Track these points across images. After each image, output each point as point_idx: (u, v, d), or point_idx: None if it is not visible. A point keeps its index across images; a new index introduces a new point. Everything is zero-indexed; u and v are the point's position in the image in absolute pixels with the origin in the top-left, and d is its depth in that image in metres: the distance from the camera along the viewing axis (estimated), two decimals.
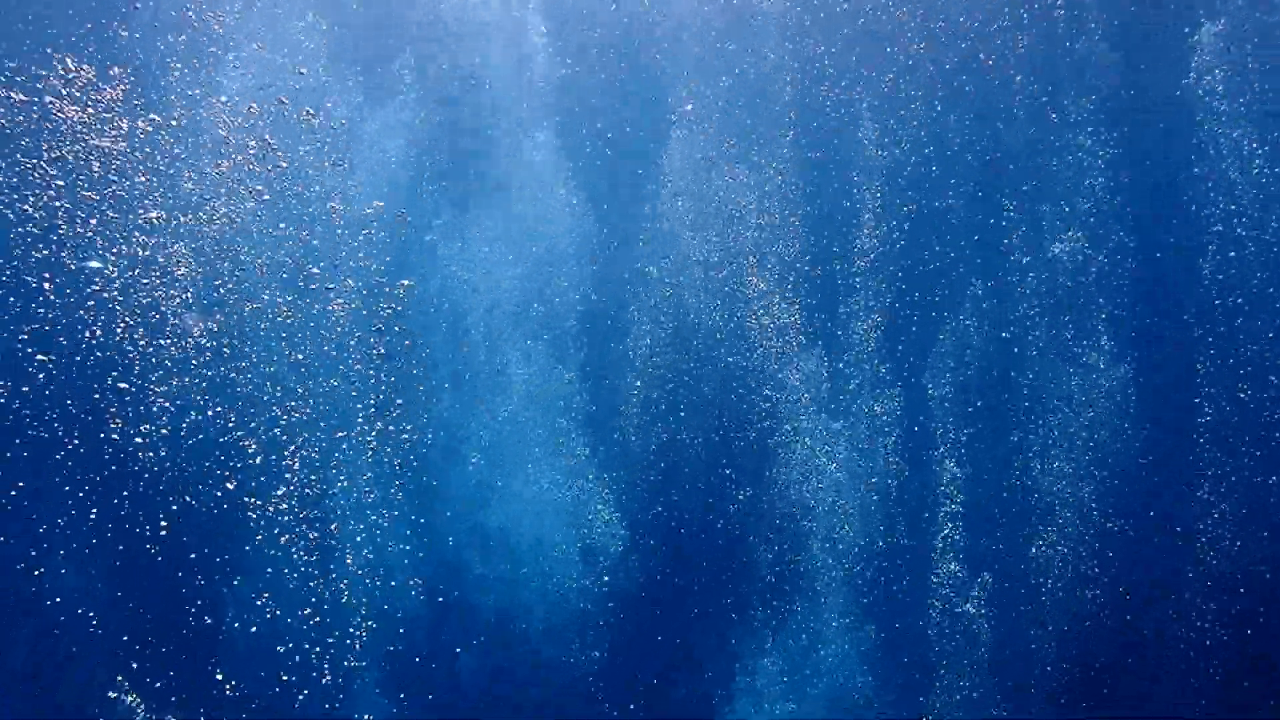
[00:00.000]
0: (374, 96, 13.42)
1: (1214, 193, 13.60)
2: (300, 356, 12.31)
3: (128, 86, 11.06)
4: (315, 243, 12.55)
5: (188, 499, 12.03)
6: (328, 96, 12.94)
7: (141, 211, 11.30)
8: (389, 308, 12.90)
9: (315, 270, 12.41)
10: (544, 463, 14.02)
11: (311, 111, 12.31)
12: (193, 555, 12.22)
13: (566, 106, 14.26)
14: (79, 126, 10.88)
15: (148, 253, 11.39)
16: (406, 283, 12.90)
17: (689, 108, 14.11)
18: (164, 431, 11.78)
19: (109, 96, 10.91)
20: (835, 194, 14.23)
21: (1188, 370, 13.72)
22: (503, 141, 14.13)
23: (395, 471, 13.08)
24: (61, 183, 10.87)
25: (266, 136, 11.84)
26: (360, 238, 12.86)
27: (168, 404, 11.74)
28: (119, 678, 11.60)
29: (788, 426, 13.96)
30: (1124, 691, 13.66)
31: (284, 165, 11.90)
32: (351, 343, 12.73)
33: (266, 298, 12.23)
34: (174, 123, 11.38)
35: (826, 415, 14.00)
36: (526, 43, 14.13)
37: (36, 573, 11.73)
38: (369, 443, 12.85)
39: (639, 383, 14.19)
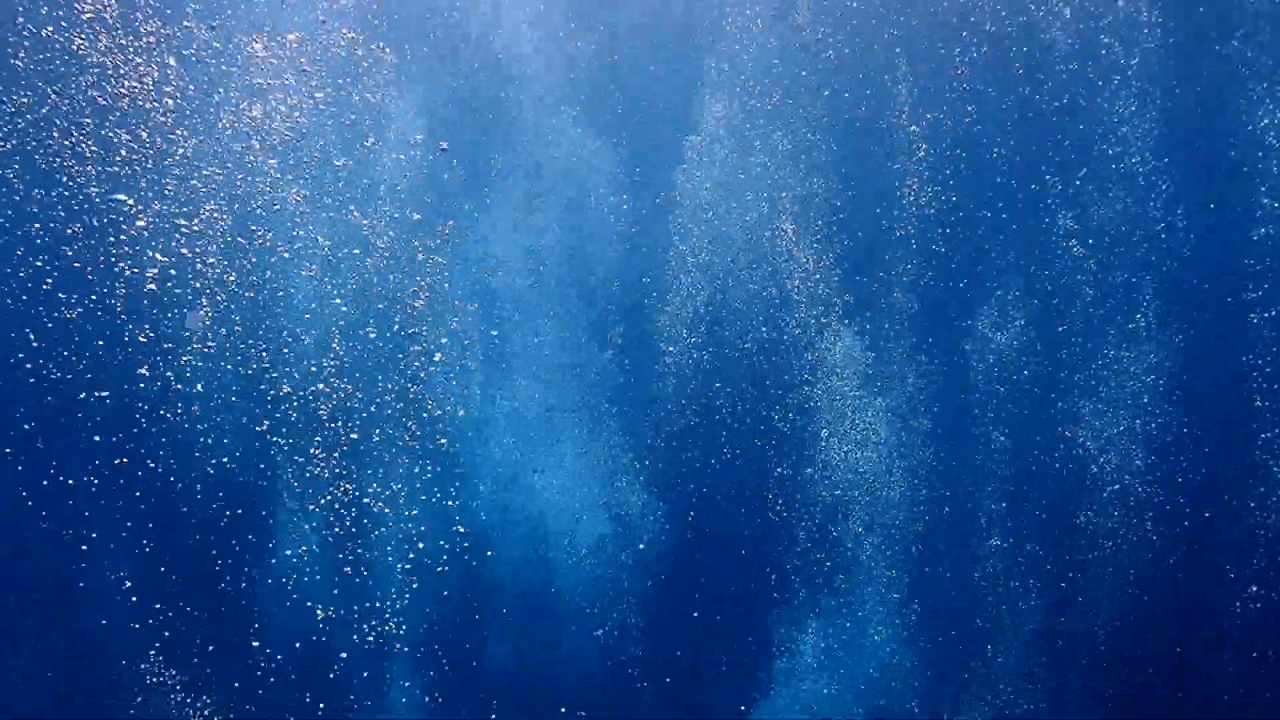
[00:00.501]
0: (399, 74, 13.00)
1: (1264, 154, 13.38)
2: (338, 302, 11.94)
3: (158, 23, 10.72)
4: (347, 190, 12.23)
5: (219, 454, 11.66)
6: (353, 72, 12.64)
7: (170, 150, 10.97)
8: (419, 277, 12.58)
9: (354, 214, 12.10)
10: (576, 439, 13.59)
11: (352, 35, 11.96)
12: (226, 514, 11.80)
13: (595, 77, 13.89)
14: (107, 64, 10.52)
15: (175, 193, 11.05)
16: (451, 223, 12.51)
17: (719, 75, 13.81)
18: (198, 388, 11.42)
19: (138, 33, 10.56)
20: (873, 161, 13.88)
21: (1239, 337, 13.45)
22: (530, 115, 13.75)
23: (423, 448, 12.73)
24: (90, 121, 10.55)
25: (303, 64, 11.48)
26: (394, 194, 12.56)
27: (196, 355, 11.38)
28: (154, 647, 11.21)
29: (828, 399, 13.55)
30: (1172, 665, 13.33)
31: (318, 98, 11.55)
32: (381, 306, 12.40)
33: (299, 246, 11.87)
34: (206, 60, 11.05)
35: (867, 387, 13.60)
36: (553, 13, 13.82)
37: (64, 534, 11.27)
38: (399, 417, 12.51)
39: (673, 354, 13.76)
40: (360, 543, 12.28)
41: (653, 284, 13.84)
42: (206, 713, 11.24)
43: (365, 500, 12.28)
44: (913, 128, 13.79)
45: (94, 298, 11.02)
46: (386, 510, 12.43)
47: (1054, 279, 13.72)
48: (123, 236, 10.92)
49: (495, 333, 13.42)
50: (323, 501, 12.12)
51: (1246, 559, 13.22)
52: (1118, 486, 13.39)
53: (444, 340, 12.84)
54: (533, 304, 13.64)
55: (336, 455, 12.02)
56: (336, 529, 12.08)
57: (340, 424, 12.06)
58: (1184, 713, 13.26)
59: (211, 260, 11.38)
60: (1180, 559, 13.35)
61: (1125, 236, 13.61)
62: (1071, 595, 13.32)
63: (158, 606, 11.46)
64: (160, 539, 11.63)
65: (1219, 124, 13.58)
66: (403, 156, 12.70)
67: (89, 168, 10.76)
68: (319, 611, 11.97)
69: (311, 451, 11.94)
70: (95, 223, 10.87)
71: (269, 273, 11.82)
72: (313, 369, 11.99)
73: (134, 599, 11.42)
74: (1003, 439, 13.56)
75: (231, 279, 11.45)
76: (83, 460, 11.35)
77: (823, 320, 13.64)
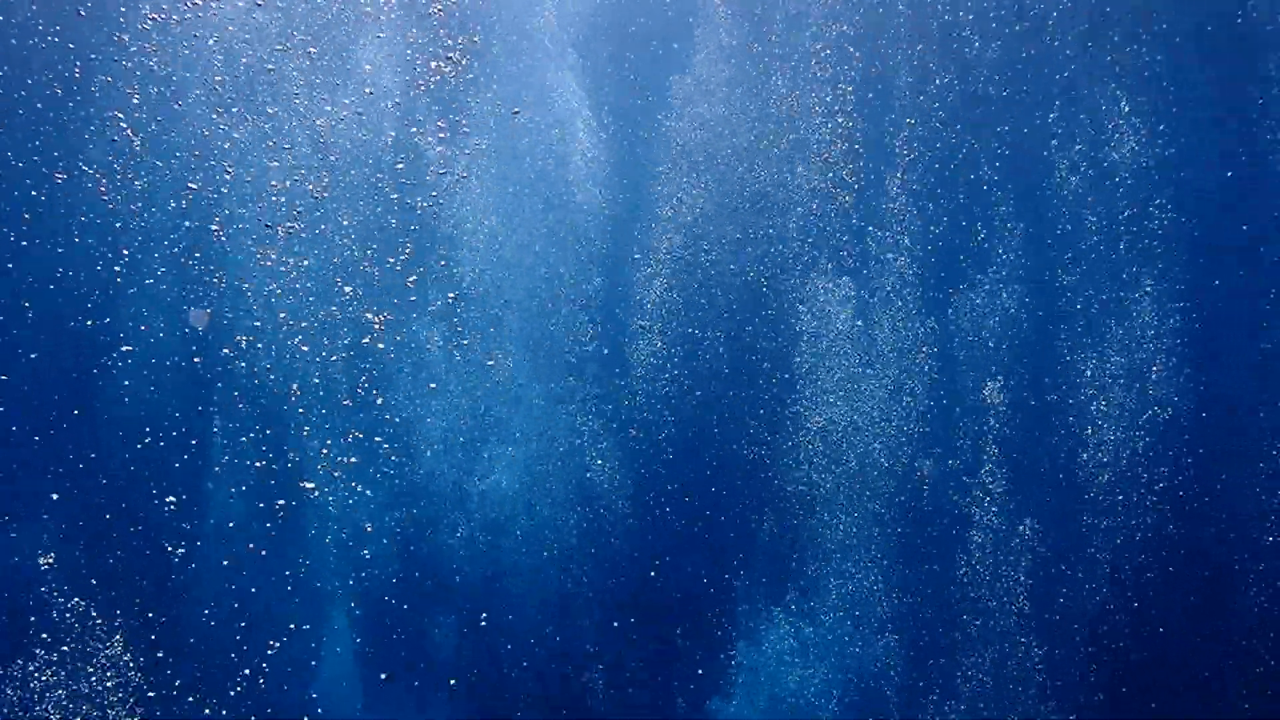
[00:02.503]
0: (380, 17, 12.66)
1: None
2: (282, 264, 11.86)
3: None
4: (308, 155, 12.07)
5: (154, 411, 11.63)
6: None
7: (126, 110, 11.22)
8: (384, 227, 12.29)
9: (308, 186, 11.99)
10: (540, 405, 13.04)
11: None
12: (155, 479, 11.67)
13: (585, 17, 13.39)
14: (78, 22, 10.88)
15: (132, 159, 11.28)
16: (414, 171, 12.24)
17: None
18: (135, 344, 11.52)
19: None
20: (869, 109, 12.99)
21: (1245, 303, 12.31)
22: (516, 55, 13.21)
23: (371, 412, 12.31)
24: (59, 89, 10.90)
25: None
26: (359, 152, 12.28)
27: (137, 307, 11.48)
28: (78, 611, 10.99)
29: (810, 367, 12.77)
30: (1171, 659, 12.13)
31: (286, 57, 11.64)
32: (339, 259, 12.13)
33: (248, 196, 11.78)
34: (173, 21, 11.18)
35: (854, 353, 12.75)
36: None
37: None
38: (346, 371, 12.24)
39: (650, 310, 13.10)
40: (297, 512, 11.98)
41: (633, 243, 13.24)
42: (136, 687, 10.90)
43: (303, 465, 12.04)
44: (910, 65, 13.01)
45: (36, 257, 11.20)
46: (327, 478, 12.12)
47: (1056, 235, 12.68)
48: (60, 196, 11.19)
49: (455, 291, 12.88)
50: (258, 466, 11.91)
51: (1250, 535, 11.99)
52: (1119, 464, 12.26)
53: (398, 299, 12.40)
54: (502, 254, 13.08)
55: (271, 420, 11.85)
56: (272, 498, 11.81)
57: (279, 382, 11.89)
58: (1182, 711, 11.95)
59: (153, 219, 11.48)
60: (1181, 538, 12.13)
61: (1132, 187, 12.48)
62: (1067, 581, 12.18)
63: (79, 555, 11.39)
64: (89, 495, 11.54)
65: (1232, 76, 12.39)
66: (371, 100, 12.37)
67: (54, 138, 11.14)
68: (251, 586, 11.74)
69: (248, 411, 11.81)
70: (36, 188, 11.09)
71: (214, 226, 11.78)
72: (256, 324, 11.88)
73: (57, 568, 11.22)
74: (1000, 404, 12.53)
75: (172, 236, 11.54)
76: (16, 411, 11.44)
77: (812, 275, 12.89)
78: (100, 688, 10.52)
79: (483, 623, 12.48)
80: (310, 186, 12.02)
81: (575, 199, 13.32)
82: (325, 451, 12.19)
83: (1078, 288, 12.59)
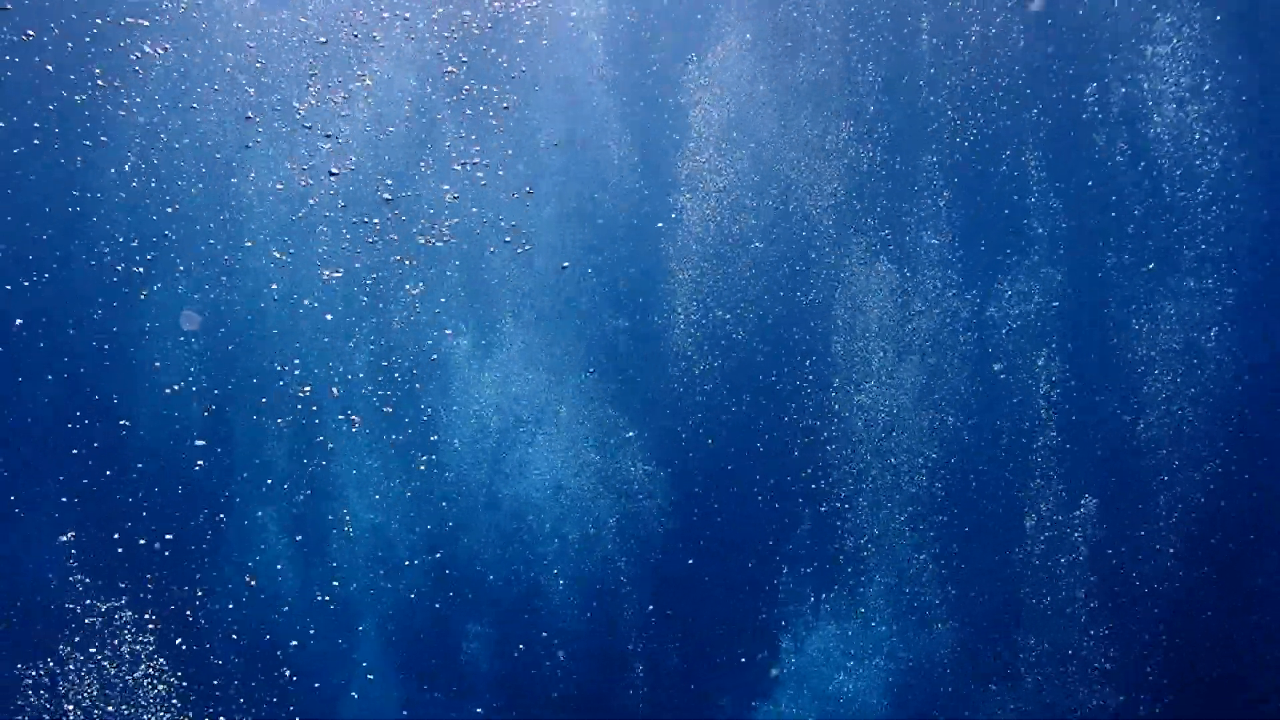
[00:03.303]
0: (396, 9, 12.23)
1: None
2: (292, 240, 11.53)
3: None
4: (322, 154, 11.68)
5: (182, 421, 11.34)
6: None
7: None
8: (394, 221, 11.85)
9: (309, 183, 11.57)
10: (571, 401, 12.55)
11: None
12: (179, 487, 11.40)
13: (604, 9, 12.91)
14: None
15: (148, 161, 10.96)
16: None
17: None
18: (158, 351, 11.27)
19: None
20: (896, 85, 12.57)
21: None
22: (536, 39, 12.66)
23: (397, 409, 11.96)
24: (73, 90, 10.60)
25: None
26: (379, 148, 11.92)
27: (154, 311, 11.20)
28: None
29: (849, 343, 12.39)
30: (1225, 653, 11.89)
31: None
32: (355, 265, 11.70)
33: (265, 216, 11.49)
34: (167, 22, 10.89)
35: (890, 340, 12.37)
36: None
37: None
38: (370, 373, 11.88)
39: (681, 296, 12.65)
40: (323, 515, 11.77)
41: (660, 232, 12.74)
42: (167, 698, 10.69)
43: (331, 466, 11.76)
44: (938, 39, 12.51)
45: (55, 266, 10.95)
46: (354, 479, 11.87)
47: (1098, 211, 12.28)
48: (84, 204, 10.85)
49: (480, 285, 12.42)
50: (282, 464, 11.63)
51: None
52: (1171, 444, 12.01)
53: (421, 285, 12.05)
54: (526, 246, 12.56)
55: (296, 419, 11.56)
56: (299, 498, 11.59)
57: (303, 386, 11.59)
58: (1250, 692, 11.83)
59: (175, 223, 11.17)
60: (1243, 514, 11.92)
61: (1176, 166, 12.14)
62: (1122, 573, 11.87)
63: (109, 554, 11.03)
64: (109, 503, 11.21)
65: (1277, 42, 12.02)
66: (388, 92, 12.03)
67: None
68: (279, 593, 11.52)
69: (273, 416, 11.52)
70: (58, 199, 10.82)
71: (230, 216, 11.49)
72: (275, 331, 11.59)
73: (85, 578, 10.93)
74: (1051, 386, 12.18)
75: (193, 239, 11.25)
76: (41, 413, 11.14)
77: (844, 262, 12.46)
78: (133, 689, 10.41)
79: (517, 626, 12.23)
80: (333, 173, 11.72)
81: (600, 185, 12.86)
82: (353, 452, 11.96)
83: (1121, 265, 12.29)
